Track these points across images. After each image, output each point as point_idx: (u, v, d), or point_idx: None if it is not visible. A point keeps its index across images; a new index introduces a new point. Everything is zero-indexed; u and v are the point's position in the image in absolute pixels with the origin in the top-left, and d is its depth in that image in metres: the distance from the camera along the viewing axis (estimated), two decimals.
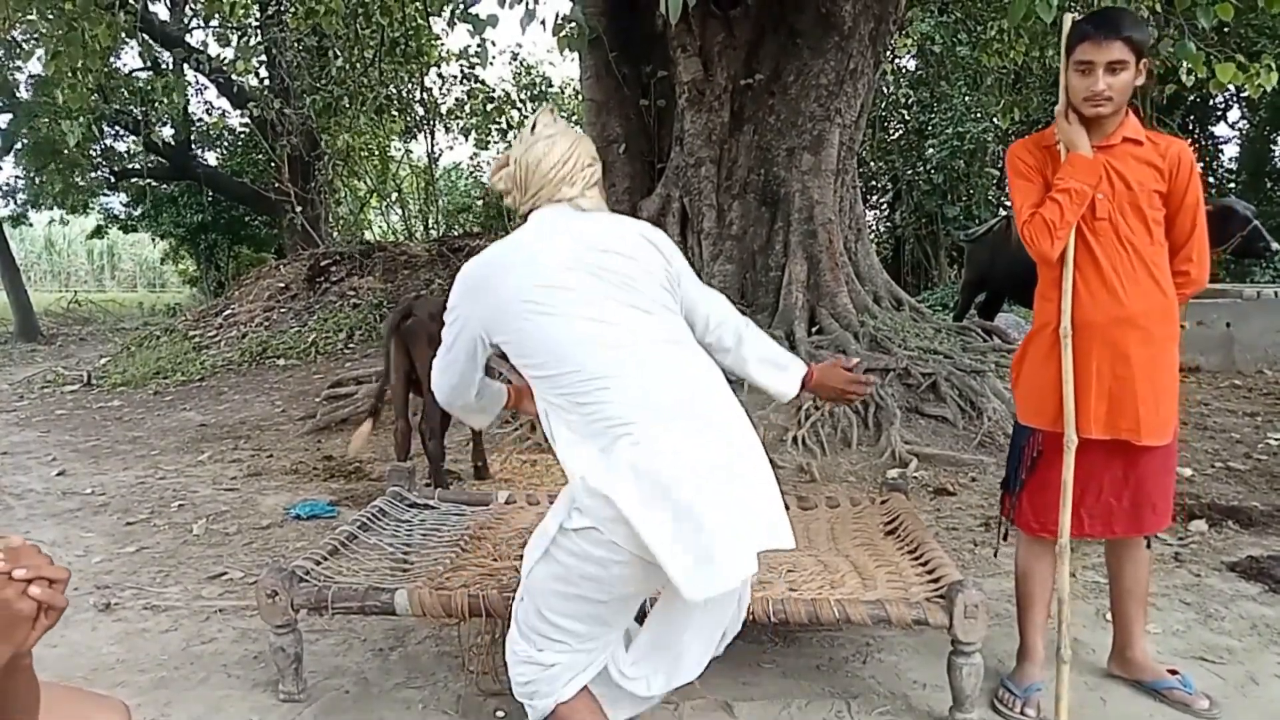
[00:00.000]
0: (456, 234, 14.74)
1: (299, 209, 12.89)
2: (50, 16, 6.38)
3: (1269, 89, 5.36)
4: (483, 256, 2.01)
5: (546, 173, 2.00)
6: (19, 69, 13.62)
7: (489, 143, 15.66)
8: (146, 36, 9.31)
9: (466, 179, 20.02)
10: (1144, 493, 2.36)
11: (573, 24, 5.87)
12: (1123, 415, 2.29)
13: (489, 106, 14.04)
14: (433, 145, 16.02)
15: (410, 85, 13.70)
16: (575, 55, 7.71)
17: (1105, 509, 2.37)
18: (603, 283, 1.90)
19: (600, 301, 1.89)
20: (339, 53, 11.66)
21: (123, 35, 7.08)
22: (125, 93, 12.93)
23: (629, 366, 1.83)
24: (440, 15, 10.44)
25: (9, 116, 14.44)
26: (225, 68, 11.40)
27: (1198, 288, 2.39)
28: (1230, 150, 15.91)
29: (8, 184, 17.29)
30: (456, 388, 2.12)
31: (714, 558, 1.74)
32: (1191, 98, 14.16)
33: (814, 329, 6.35)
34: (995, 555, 3.18)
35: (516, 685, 2.03)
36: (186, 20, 14.87)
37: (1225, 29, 10.05)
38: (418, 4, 9.92)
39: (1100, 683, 2.61)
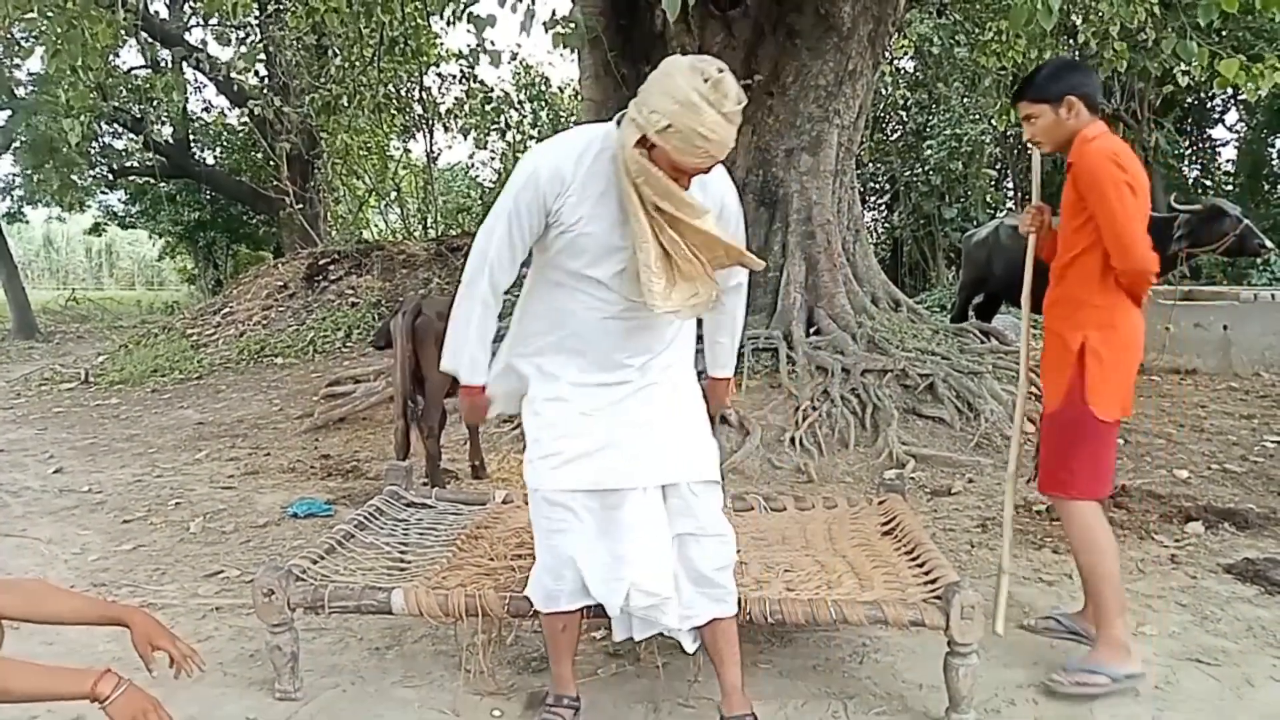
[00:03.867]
0: (455, 233, 14.72)
1: (298, 207, 12.88)
2: (50, 15, 6.36)
3: (1265, 92, 5.38)
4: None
5: (693, 144, 1.90)
6: (17, 67, 13.60)
7: (488, 142, 15.67)
8: (146, 35, 9.31)
9: (464, 179, 20.01)
10: (1044, 454, 2.73)
11: (571, 23, 5.87)
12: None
13: (488, 106, 14.04)
14: (431, 144, 16.05)
15: (409, 84, 13.70)
16: (575, 55, 7.71)
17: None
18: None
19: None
20: (338, 51, 11.65)
21: (122, 33, 7.06)
22: (124, 91, 12.92)
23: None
24: (440, 15, 10.45)
25: (7, 114, 14.41)
26: (224, 66, 11.39)
27: (1134, 277, 2.51)
28: (1228, 153, 15.97)
29: (4, 181, 17.29)
30: (494, 259, 2.15)
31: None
32: (1189, 100, 14.20)
33: (812, 329, 6.35)
34: None
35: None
36: (185, 18, 14.86)
37: (1224, 31, 10.07)
38: (417, 3, 9.91)
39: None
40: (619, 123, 2.04)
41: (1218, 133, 15.89)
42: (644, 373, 2.21)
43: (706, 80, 1.87)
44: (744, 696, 2.29)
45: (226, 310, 10.69)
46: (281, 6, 10.17)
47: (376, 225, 18.75)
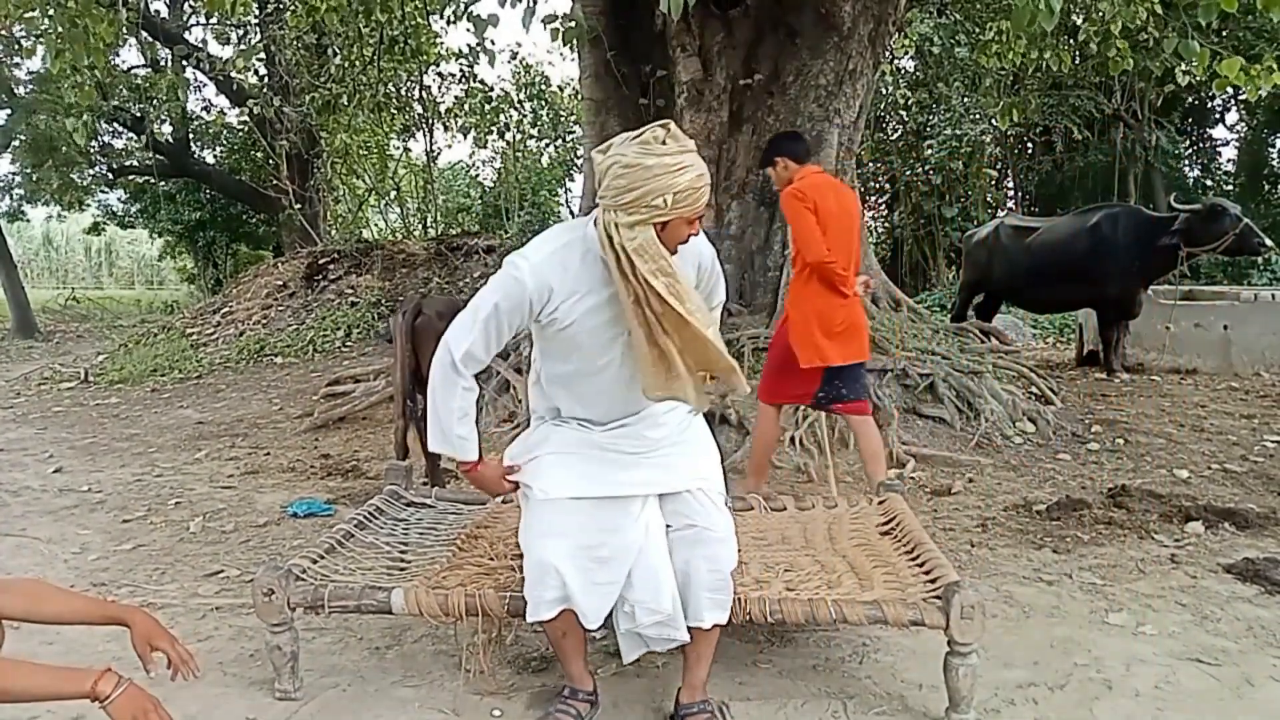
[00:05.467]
0: (455, 233, 14.73)
1: (297, 207, 12.88)
2: (51, 13, 6.36)
3: (1265, 92, 5.38)
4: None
5: (697, 189, 2.00)
6: (18, 65, 13.60)
7: (488, 142, 15.67)
8: (146, 34, 9.31)
9: (464, 178, 20.01)
10: (765, 368, 4.05)
11: (571, 21, 5.87)
12: None
13: (488, 106, 14.04)
14: (431, 144, 16.05)
15: (409, 83, 13.69)
16: (575, 55, 7.71)
17: None
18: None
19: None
20: (338, 50, 11.65)
21: (124, 32, 7.07)
22: (124, 90, 12.91)
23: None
24: (440, 14, 10.45)
25: (7, 113, 14.41)
26: (224, 65, 11.40)
27: (816, 268, 3.74)
28: (1228, 153, 15.96)
29: (4, 180, 17.28)
30: (471, 350, 2.16)
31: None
32: (1189, 100, 14.20)
33: None
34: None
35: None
36: (185, 17, 14.86)
37: (1224, 31, 10.06)
38: (417, 2, 9.91)
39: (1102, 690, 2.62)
40: (595, 222, 2.08)
41: (1218, 133, 15.89)
42: (647, 417, 2.28)
43: (664, 141, 1.97)
44: (704, 690, 2.37)
45: (226, 310, 10.70)
46: (281, 5, 10.18)
47: (376, 225, 18.74)
